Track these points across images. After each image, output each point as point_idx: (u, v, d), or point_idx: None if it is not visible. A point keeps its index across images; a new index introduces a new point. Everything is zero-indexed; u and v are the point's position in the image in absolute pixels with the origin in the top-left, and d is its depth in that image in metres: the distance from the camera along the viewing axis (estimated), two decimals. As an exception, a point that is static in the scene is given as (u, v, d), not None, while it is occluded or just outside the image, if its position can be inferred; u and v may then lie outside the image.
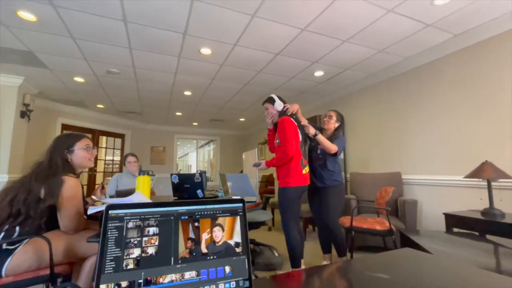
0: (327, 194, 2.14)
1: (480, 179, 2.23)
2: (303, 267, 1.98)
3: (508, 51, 2.33)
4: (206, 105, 5.38)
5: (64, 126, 5.47)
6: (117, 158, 7.01)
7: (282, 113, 2.05)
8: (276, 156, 1.90)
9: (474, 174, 2.15)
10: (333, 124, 2.29)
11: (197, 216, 0.51)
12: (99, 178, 6.45)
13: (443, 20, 2.37)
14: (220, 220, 0.53)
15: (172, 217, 0.50)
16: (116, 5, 2.18)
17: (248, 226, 1.77)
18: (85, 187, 5.83)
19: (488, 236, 1.99)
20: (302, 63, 3.33)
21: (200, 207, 0.53)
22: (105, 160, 6.85)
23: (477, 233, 2.03)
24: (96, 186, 1.79)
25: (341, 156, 4.14)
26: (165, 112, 5.93)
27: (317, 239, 2.28)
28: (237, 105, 5.35)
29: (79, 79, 3.89)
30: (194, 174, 1.92)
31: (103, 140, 6.54)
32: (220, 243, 0.51)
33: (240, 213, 0.55)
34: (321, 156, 2.18)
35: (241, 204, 0.56)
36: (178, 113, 6.11)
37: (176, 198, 2.02)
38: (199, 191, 1.92)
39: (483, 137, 2.49)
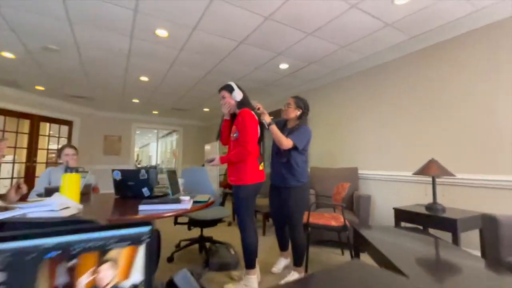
0: (289, 196, 1.92)
1: (427, 176, 2.37)
2: (257, 266, 1.91)
3: (463, 54, 2.47)
4: (165, 93, 5.01)
5: (-7, 110, 4.68)
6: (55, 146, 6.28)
7: (241, 104, 1.91)
8: (234, 152, 1.76)
9: (422, 170, 2.27)
10: (292, 112, 2.02)
11: (73, 252, 0.36)
12: (40, 170, 5.72)
13: (402, 20, 2.42)
14: (112, 253, 0.38)
15: (31, 256, 0.34)
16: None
17: (204, 223, 1.63)
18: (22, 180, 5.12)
19: (431, 230, 2.12)
20: (267, 54, 3.21)
21: (80, 236, 0.37)
22: (47, 149, 6.07)
23: (421, 227, 2.15)
24: (13, 184, 1.48)
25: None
26: (119, 98, 5.41)
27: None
28: (200, 94, 5.08)
29: (8, 55, 3.30)
30: (139, 171, 1.71)
31: (45, 127, 5.78)
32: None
33: (147, 240, 0.41)
34: (283, 151, 1.93)
35: (147, 228, 0.42)
36: (135, 100, 5.63)
37: (118, 197, 1.80)
38: (145, 189, 1.72)
39: (431, 136, 2.65)
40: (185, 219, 2.47)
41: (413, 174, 2.35)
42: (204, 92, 4.95)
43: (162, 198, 1.38)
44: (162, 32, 2.69)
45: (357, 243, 2.04)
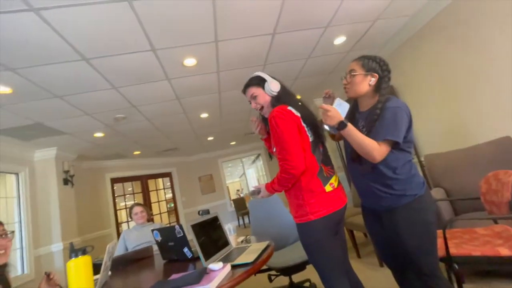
0: (397, 225, 1.08)
1: None
2: None
3: None
4: (231, 122, 4.91)
5: (113, 180, 5.73)
6: (169, 195, 7.15)
7: (277, 100, 1.23)
8: (276, 176, 1.18)
9: None
10: (362, 82, 1.12)
11: None
12: (157, 221, 6.62)
13: None
14: None
15: None
16: (65, 46, 1.87)
17: (287, 271, 1.03)
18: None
19: None
20: (312, 34, 2.53)
21: None
22: (165, 200, 7.12)
23: None
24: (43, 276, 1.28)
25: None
26: (196, 141, 5.71)
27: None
28: (263, 111, 4.72)
29: (99, 134, 3.88)
30: (173, 228, 1.35)
31: (152, 183, 6.69)
32: None
33: None
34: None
35: None
36: (210, 138, 5.82)
37: (166, 261, 1.48)
38: (186, 250, 1.33)
39: None
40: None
41: None
42: (266, 107, 4.57)
43: (181, 277, 0.93)
44: (190, 61, 2.49)
45: None
